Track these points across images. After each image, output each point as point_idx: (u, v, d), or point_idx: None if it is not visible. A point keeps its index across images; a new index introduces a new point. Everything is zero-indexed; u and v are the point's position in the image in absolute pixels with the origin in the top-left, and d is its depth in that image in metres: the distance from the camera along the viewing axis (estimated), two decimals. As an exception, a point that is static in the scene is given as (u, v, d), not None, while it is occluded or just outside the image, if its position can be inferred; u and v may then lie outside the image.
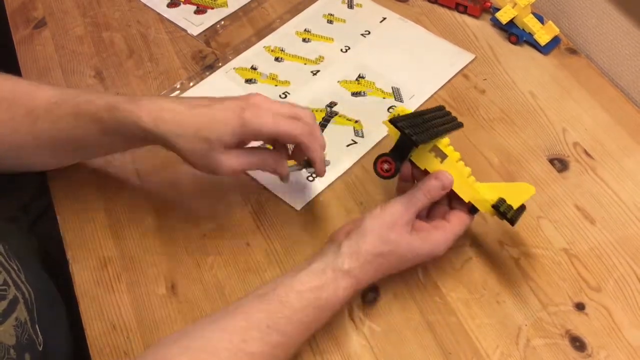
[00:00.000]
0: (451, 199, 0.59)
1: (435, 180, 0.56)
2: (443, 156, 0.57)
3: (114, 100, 0.58)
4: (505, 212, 0.56)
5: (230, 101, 0.57)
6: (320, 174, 0.61)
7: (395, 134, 0.55)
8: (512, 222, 0.57)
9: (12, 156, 0.64)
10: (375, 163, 0.56)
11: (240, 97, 0.58)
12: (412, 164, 0.58)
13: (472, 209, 0.58)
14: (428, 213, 0.60)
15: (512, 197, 0.57)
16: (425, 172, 0.58)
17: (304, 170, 0.64)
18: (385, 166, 0.56)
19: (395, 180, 0.60)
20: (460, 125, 0.64)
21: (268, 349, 0.49)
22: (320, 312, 0.52)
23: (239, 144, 0.58)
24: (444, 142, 0.58)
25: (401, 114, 0.57)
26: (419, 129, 0.54)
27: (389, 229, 0.53)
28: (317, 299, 0.51)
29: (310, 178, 0.68)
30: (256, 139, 0.58)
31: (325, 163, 0.61)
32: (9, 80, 0.64)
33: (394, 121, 0.54)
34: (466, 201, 0.58)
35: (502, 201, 0.57)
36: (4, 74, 0.64)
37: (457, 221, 0.57)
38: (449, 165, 0.57)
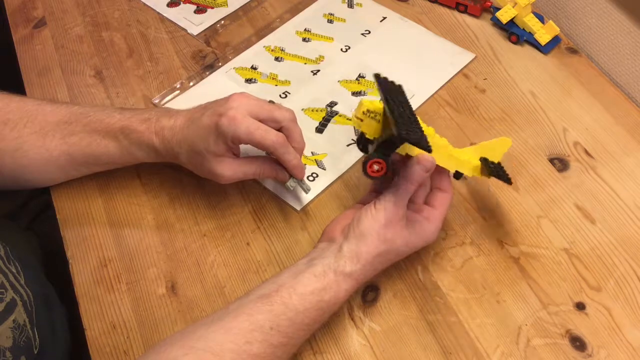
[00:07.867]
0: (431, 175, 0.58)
1: (417, 165, 0.55)
2: None
3: (127, 121, 0.62)
4: (499, 173, 0.56)
5: (213, 109, 0.59)
6: (299, 176, 0.62)
7: (375, 131, 0.56)
8: (509, 180, 0.57)
9: (20, 174, 0.64)
10: (364, 167, 0.56)
11: (224, 101, 0.59)
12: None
13: (456, 174, 0.59)
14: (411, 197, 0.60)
15: (492, 155, 0.58)
16: (407, 157, 0.57)
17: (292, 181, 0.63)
18: (376, 167, 0.56)
19: None
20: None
21: (271, 350, 0.49)
22: (322, 313, 0.52)
23: (232, 150, 0.60)
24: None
25: (370, 107, 0.56)
26: (413, 126, 0.53)
27: (386, 228, 0.54)
28: (320, 301, 0.52)
29: (311, 178, 0.68)
30: (243, 143, 0.59)
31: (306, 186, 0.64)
32: (14, 101, 0.65)
33: (404, 135, 0.50)
34: (452, 171, 0.58)
35: (486, 161, 0.57)
36: (9, 94, 0.65)
37: (441, 206, 0.58)
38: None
